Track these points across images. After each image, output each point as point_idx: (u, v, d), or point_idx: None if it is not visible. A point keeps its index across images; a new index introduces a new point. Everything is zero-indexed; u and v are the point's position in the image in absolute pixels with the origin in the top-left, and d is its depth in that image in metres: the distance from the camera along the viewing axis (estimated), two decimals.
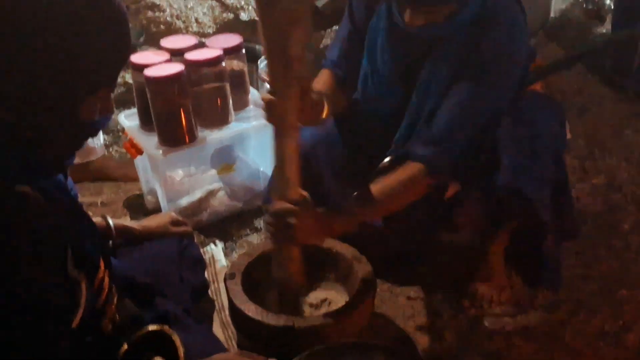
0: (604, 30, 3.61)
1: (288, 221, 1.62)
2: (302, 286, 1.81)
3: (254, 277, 1.83)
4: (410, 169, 1.74)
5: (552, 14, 3.71)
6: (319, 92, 1.76)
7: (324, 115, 1.77)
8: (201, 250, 2.04)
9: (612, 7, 3.34)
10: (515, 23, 1.74)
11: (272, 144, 1.62)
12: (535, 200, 1.79)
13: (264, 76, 1.62)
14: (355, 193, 1.76)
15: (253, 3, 3.64)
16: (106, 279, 1.34)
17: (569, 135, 1.98)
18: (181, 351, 1.32)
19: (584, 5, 3.82)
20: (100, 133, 2.62)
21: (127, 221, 1.74)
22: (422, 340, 1.93)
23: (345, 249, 1.88)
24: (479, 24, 1.71)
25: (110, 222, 1.64)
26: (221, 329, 1.86)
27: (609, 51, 3.19)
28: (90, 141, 2.48)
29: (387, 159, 1.84)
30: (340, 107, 1.96)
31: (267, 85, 1.60)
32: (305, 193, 1.65)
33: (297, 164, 1.63)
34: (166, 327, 1.38)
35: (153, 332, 1.37)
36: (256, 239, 2.32)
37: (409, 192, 1.77)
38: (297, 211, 1.61)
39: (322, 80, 1.94)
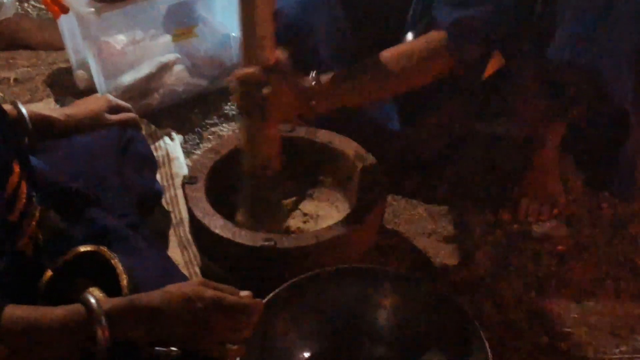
0: None
1: (259, 92, 1.62)
2: (279, 176, 1.83)
3: (223, 181, 1.86)
4: (431, 36, 1.75)
5: None
6: None
7: None
8: (152, 145, 2.04)
9: None
10: None
11: None
12: (609, 79, 1.78)
13: None
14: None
15: None
16: (23, 185, 1.35)
17: None
18: (124, 279, 1.33)
19: None
20: None
21: (49, 107, 1.73)
22: (447, 264, 1.98)
23: (346, 145, 1.90)
24: None
25: (24, 110, 1.63)
26: (179, 249, 1.90)
27: None
28: None
29: (409, 36, 1.83)
30: None
31: None
32: (283, 54, 1.66)
33: (271, 11, 1.61)
34: (103, 248, 1.39)
35: (86, 253, 1.38)
36: (226, 130, 2.33)
37: (423, 66, 1.77)
38: (272, 78, 1.62)
39: None
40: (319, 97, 1.69)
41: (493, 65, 1.94)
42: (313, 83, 1.68)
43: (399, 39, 1.86)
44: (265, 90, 1.62)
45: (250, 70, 1.63)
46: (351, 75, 1.74)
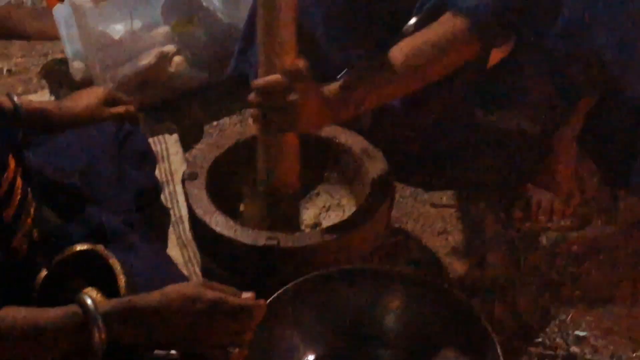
0: None
1: (287, 100, 1.57)
2: (299, 191, 1.84)
3: (225, 177, 1.86)
4: (449, 22, 1.73)
5: None
6: None
7: None
8: (150, 139, 2.04)
9: None
10: None
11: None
12: (623, 68, 1.78)
13: None
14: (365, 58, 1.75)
15: None
16: (18, 181, 1.35)
17: None
18: (121, 280, 1.33)
19: None
20: None
21: (44, 100, 1.73)
22: (456, 265, 1.98)
23: (353, 140, 1.90)
24: None
25: (17, 102, 1.63)
26: (178, 248, 1.89)
27: None
28: None
29: (412, 20, 1.81)
30: None
31: None
32: (303, 61, 1.60)
33: (294, 15, 1.59)
34: (100, 247, 1.39)
35: (82, 252, 1.38)
36: (228, 124, 2.33)
37: (447, 57, 1.74)
38: (299, 86, 1.57)
39: None
40: (345, 104, 1.67)
41: (496, 56, 1.94)
42: (335, 87, 1.66)
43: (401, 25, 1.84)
44: (292, 97, 1.56)
45: (273, 77, 1.57)
46: (373, 75, 1.71)
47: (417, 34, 1.75)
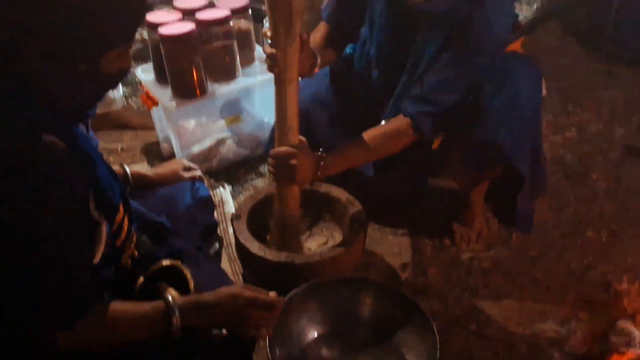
0: None
1: (289, 163, 1.63)
2: (301, 220, 1.81)
3: (258, 217, 1.84)
4: (400, 121, 1.74)
5: None
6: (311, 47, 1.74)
7: (316, 67, 1.77)
8: (211, 192, 2.03)
9: None
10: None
11: (274, 93, 1.61)
12: (514, 155, 1.78)
13: (267, 32, 1.58)
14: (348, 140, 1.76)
15: None
16: (125, 220, 1.34)
17: (544, 92, 1.95)
18: (191, 284, 1.32)
19: None
20: (120, 85, 2.60)
21: (144, 167, 1.73)
22: (408, 275, 1.96)
23: (340, 193, 1.88)
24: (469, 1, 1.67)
25: (128, 169, 1.62)
26: (228, 263, 1.88)
27: (586, 14, 3.14)
28: (111, 93, 2.46)
29: (383, 122, 1.82)
30: (328, 61, 1.96)
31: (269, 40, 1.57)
32: (303, 138, 1.65)
33: (297, 111, 1.62)
34: (178, 262, 1.38)
35: (167, 266, 1.37)
36: (261, 183, 2.32)
37: (396, 142, 1.77)
38: (297, 154, 1.63)
39: (318, 33, 1.92)
40: (328, 166, 1.68)
41: (438, 139, 1.95)
42: (322, 157, 1.67)
43: (377, 121, 1.84)
44: (292, 162, 1.62)
45: (282, 149, 1.63)
46: (346, 150, 1.73)
47: (380, 126, 1.77)
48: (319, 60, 1.77)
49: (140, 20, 1.20)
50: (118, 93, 2.56)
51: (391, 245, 2.06)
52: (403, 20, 1.79)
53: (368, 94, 1.97)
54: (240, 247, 1.73)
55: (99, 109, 2.43)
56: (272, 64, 1.56)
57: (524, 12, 3.42)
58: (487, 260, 2.01)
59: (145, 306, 1.22)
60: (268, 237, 1.83)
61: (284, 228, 1.77)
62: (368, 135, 1.73)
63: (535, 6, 3.48)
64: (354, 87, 2.01)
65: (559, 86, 2.80)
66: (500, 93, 1.73)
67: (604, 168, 2.36)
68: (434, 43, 1.73)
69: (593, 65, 2.95)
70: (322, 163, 1.67)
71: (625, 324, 1.75)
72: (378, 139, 1.73)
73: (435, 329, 1.48)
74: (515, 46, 1.95)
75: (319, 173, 1.69)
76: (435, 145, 1.95)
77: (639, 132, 2.53)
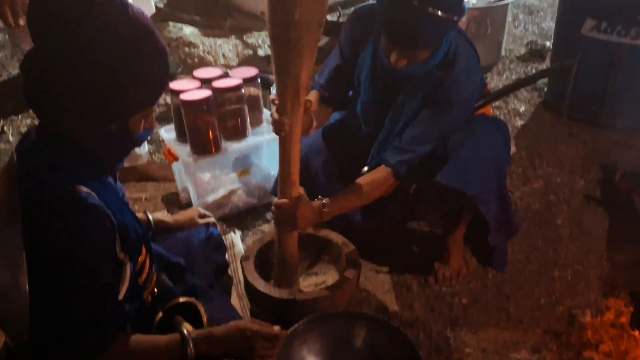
0: (544, 67, 3.61)
1: (290, 213, 1.63)
2: (299, 263, 1.80)
3: (265, 258, 1.83)
4: (382, 171, 1.77)
5: (502, 53, 3.71)
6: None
7: (312, 128, 1.83)
8: (223, 237, 2.02)
9: (551, 48, 3.34)
10: (470, 65, 1.74)
11: (279, 152, 1.63)
12: (479, 200, 1.79)
13: (275, 99, 1.61)
14: (339, 188, 1.78)
15: (269, 42, 3.63)
16: (147, 261, 1.34)
17: (514, 149, 1.98)
18: (205, 318, 1.31)
19: (529, 46, 3.82)
20: (146, 143, 2.63)
21: (164, 214, 1.72)
22: (397, 310, 1.93)
23: (336, 237, 1.88)
24: (444, 64, 1.71)
25: (150, 216, 1.63)
26: (238, 300, 1.86)
27: (549, 82, 3.19)
28: (138, 149, 2.48)
29: (365, 168, 1.85)
30: (322, 121, 2.00)
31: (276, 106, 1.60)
32: (302, 190, 1.67)
33: (299, 167, 1.64)
34: (193, 299, 1.37)
35: (183, 302, 1.36)
36: (267, 228, 2.31)
37: (380, 189, 1.79)
38: (297, 205, 1.63)
39: (311, 99, 1.95)
40: (329, 212, 1.70)
41: (413, 187, 1.97)
42: (323, 204, 1.69)
43: (363, 165, 1.89)
44: (293, 212, 1.64)
45: (284, 200, 1.65)
46: (341, 198, 1.74)
47: (366, 175, 1.80)
48: (314, 123, 1.82)
49: (163, 88, 1.22)
50: (144, 149, 2.58)
51: (381, 283, 2.04)
52: (385, 82, 1.83)
53: (356, 143, 2.00)
54: (248, 285, 1.71)
55: (127, 163, 2.46)
56: (278, 128, 1.58)
57: (494, 81, 3.48)
58: (466, 296, 1.98)
59: (164, 338, 1.21)
60: (272, 274, 1.81)
61: (284, 268, 1.76)
62: (358, 183, 1.75)
63: (504, 75, 3.54)
64: (344, 138, 2.05)
65: (526, 143, 2.83)
66: (466, 145, 1.75)
67: (568, 215, 2.36)
68: (413, 102, 1.77)
69: (556, 126, 2.98)
70: (325, 210, 1.69)
71: (590, 354, 1.72)
72: (367, 186, 1.75)
73: (421, 357, 1.46)
74: (486, 110, 1.99)
75: (318, 219, 1.70)
76: (412, 191, 1.96)
77: (597, 183, 2.54)
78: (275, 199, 1.71)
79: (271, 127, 1.64)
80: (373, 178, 1.77)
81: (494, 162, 1.81)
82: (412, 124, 1.75)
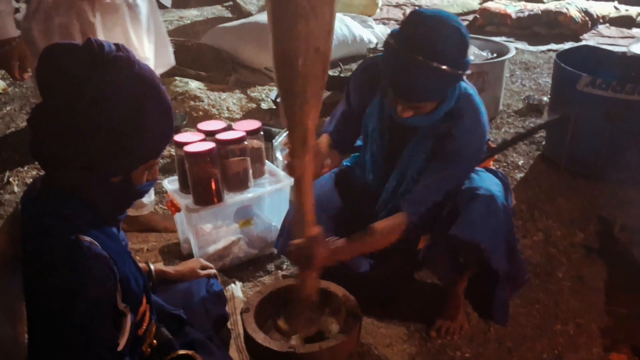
0: (542, 121, 3.66)
1: (309, 252, 1.65)
2: (318, 302, 1.80)
3: (265, 311, 1.81)
4: (397, 218, 1.79)
5: (500, 107, 3.77)
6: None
7: (324, 168, 1.90)
8: (223, 288, 2.02)
9: (548, 102, 3.39)
10: (477, 116, 1.78)
11: (293, 194, 1.69)
12: (491, 252, 1.78)
13: (287, 143, 1.67)
14: (355, 232, 1.79)
15: (272, 96, 3.71)
16: (147, 312, 1.33)
17: (514, 202, 1.99)
18: None
19: (526, 101, 3.89)
20: (152, 191, 2.64)
21: (165, 266, 1.72)
22: None
23: (337, 289, 1.86)
24: (451, 117, 1.75)
25: (152, 267, 1.63)
26: (237, 353, 1.83)
27: (547, 135, 3.23)
28: (144, 198, 2.49)
29: (382, 214, 1.87)
30: (335, 161, 2.05)
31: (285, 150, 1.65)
32: (319, 229, 1.68)
33: (313, 207, 1.66)
34: (192, 352, 1.35)
35: (182, 355, 1.35)
36: (268, 280, 2.29)
37: (393, 235, 1.79)
38: (313, 244, 1.65)
39: (323, 143, 2.00)
40: (339, 254, 1.72)
41: (423, 241, 1.96)
42: (336, 247, 1.71)
43: (372, 213, 1.91)
44: (310, 251, 1.66)
45: (301, 241, 1.67)
46: (356, 239, 1.76)
47: (382, 220, 1.81)
48: (328, 161, 1.90)
49: (167, 142, 1.25)
50: (150, 198, 2.59)
51: (383, 337, 2.01)
52: (392, 133, 1.86)
53: (365, 192, 2.02)
54: (248, 338, 1.69)
55: (131, 212, 2.46)
56: (291, 170, 1.63)
57: (493, 135, 3.52)
58: (468, 350, 1.95)
59: None
60: (279, 322, 1.79)
61: (303, 308, 1.75)
62: (374, 227, 1.76)
63: (503, 129, 3.58)
64: (353, 187, 2.07)
65: (526, 196, 2.84)
66: (476, 198, 1.76)
67: (568, 268, 2.34)
68: (420, 153, 1.79)
69: (555, 179, 3.00)
70: (334, 250, 1.70)
71: None
72: (379, 232, 1.76)
73: None
74: (487, 163, 2.02)
75: (333, 259, 1.72)
76: (420, 245, 1.96)
77: (596, 235, 2.53)
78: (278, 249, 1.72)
79: (273, 179, 1.67)
80: (387, 224, 1.78)
81: (504, 214, 1.81)
82: (423, 175, 1.78)
